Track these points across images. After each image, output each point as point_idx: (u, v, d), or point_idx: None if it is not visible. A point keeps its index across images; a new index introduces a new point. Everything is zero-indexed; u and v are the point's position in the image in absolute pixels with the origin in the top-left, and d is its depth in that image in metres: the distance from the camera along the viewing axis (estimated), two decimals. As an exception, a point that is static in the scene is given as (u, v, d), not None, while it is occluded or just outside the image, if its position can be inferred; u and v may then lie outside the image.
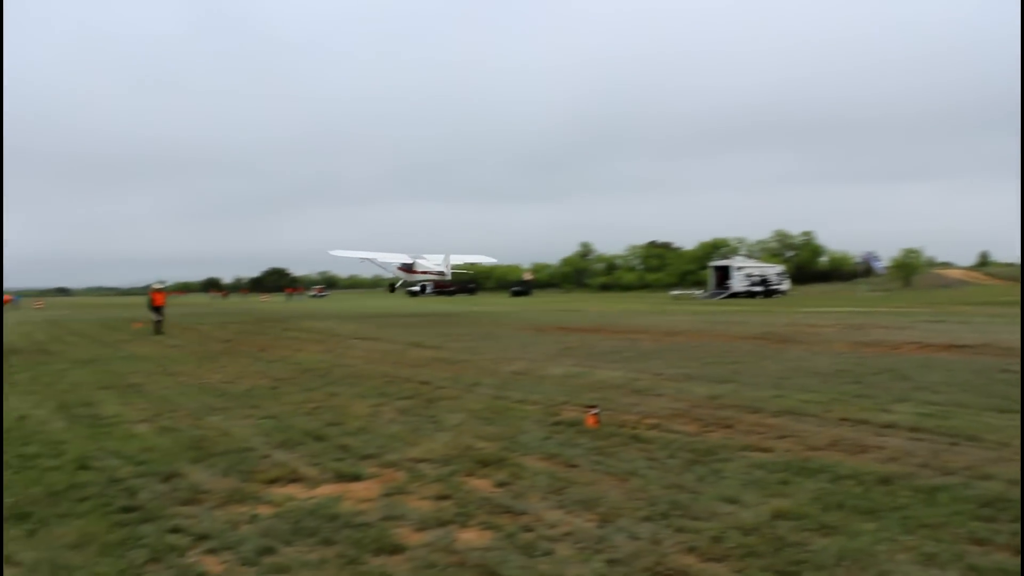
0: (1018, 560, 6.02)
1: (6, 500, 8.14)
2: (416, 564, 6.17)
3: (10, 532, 7.17)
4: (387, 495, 8.08)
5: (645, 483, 8.25)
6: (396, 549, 6.51)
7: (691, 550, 6.32)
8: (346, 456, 9.81)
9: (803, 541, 6.46)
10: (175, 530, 7.11)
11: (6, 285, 29.63)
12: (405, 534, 6.88)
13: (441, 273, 55.51)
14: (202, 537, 6.92)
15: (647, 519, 7.10)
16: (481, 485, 8.39)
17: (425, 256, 56.04)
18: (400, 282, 58.83)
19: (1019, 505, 7.26)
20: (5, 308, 29.01)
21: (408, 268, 55.74)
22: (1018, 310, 38.20)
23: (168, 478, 8.91)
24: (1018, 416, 11.33)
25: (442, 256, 55.99)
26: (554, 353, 22.08)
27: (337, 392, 15.21)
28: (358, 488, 8.41)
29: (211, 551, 6.61)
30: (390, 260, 56.21)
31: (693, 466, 8.92)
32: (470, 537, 6.80)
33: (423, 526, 7.09)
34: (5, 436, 11.58)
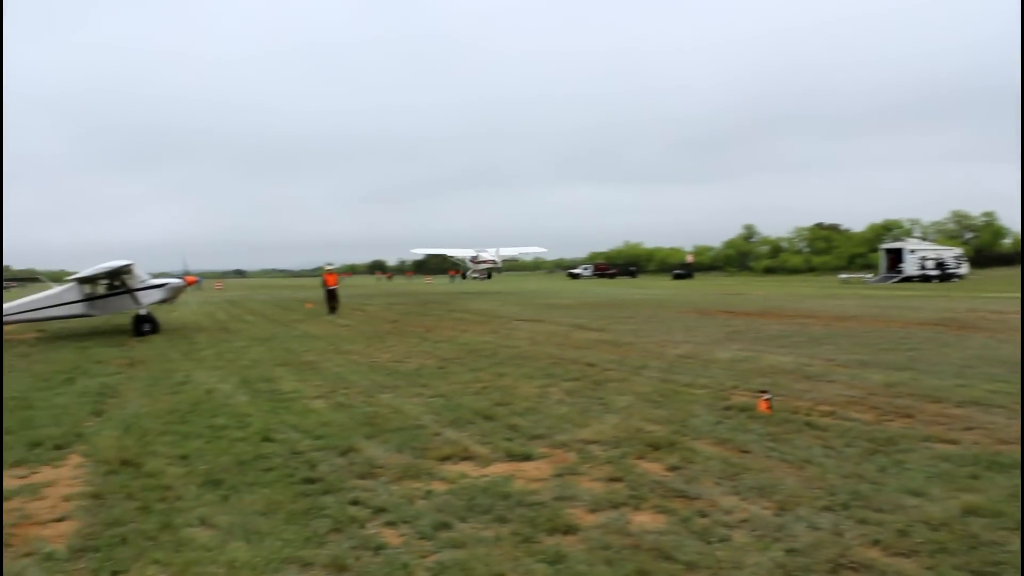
0: None
1: (200, 467, 8.63)
2: (591, 545, 6.18)
3: (205, 497, 7.59)
4: (558, 475, 8.13)
5: (822, 472, 8.00)
6: (570, 529, 6.54)
7: (876, 543, 6.10)
8: (516, 436, 9.92)
9: (1000, 541, 6.12)
10: (354, 502, 7.37)
11: (190, 266, 31.25)
12: (578, 515, 6.91)
13: (494, 261, 74.49)
14: (380, 510, 7.14)
15: (827, 509, 6.88)
16: (653, 468, 8.33)
17: (486, 249, 74.31)
18: (470, 270, 76.92)
19: None
20: (192, 289, 30.63)
21: (475, 259, 74.52)
22: None
23: (345, 452, 9.23)
24: None
25: (494, 249, 74.00)
26: (720, 337, 21.69)
27: (504, 372, 15.40)
28: (529, 468, 8.49)
29: (389, 524, 6.81)
30: (460, 254, 75.93)
31: (873, 456, 8.59)
32: (644, 520, 6.76)
33: (596, 507, 7.09)
34: (195, 408, 12.28)
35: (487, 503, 7.24)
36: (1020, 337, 18.21)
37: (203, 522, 6.91)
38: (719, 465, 8.31)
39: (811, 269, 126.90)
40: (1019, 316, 27.06)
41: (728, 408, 11.35)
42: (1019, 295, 41.96)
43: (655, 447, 9.13)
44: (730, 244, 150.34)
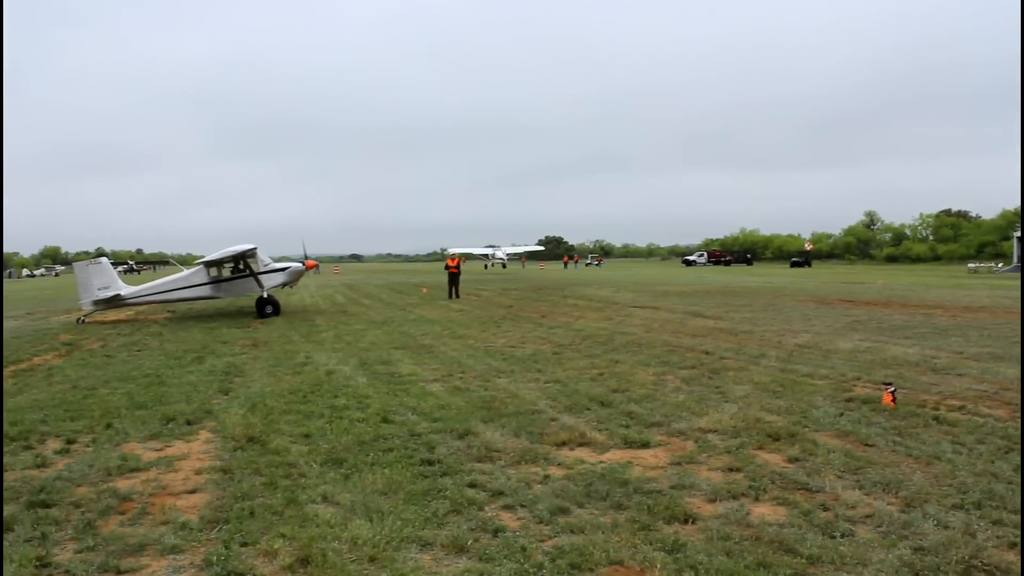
0: None
1: (323, 447, 8.85)
2: (710, 535, 6.11)
3: (328, 475, 7.79)
4: (676, 464, 8.07)
5: (952, 468, 7.72)
6: (689, 518, 6.48)
7: (1012, 546, 5.85)
8: (633, 423, 9.88)
9: None
10: (472, 485, 7.45)
11: (309, 251, 32.03)
12: (697, 504, 6.84)
13: (502, 259, 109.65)
14: (498, 493, 7.20)
15: (957, 507, 6.65)
16: (772, 459, 8.20)
17: (499, 247, 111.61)
18: (491, 261, 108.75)
19: None
20: (311, 273, 31.43)
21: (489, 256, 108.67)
22: None
23: (463, 435, 9.35)
24: None
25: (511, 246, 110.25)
26: (840, 327, 21.12)
27: (619, 359, 15.34)
28: (646, 455, 8.45)
29: (507, 507, 6.86)
30: (481, 251, 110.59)
31: (1007, 454, 8.25)
32: (764, 511, 6.66)
33: (715, 497, 7.01)
34: (317, 389, 12.60)
35: (604, 489, 7.23)
36: (1020, 337, 16.87)
37: (326, 499, 7.09)
38: (841, 458, 8.11)
39: (936, 258, 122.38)
40: None
41: (850, 400, 11.07)
42: None
43: (775, 438, 8.98)
44: (850, 232, 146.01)
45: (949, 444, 8.64)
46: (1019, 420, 9.81)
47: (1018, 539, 5.96)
